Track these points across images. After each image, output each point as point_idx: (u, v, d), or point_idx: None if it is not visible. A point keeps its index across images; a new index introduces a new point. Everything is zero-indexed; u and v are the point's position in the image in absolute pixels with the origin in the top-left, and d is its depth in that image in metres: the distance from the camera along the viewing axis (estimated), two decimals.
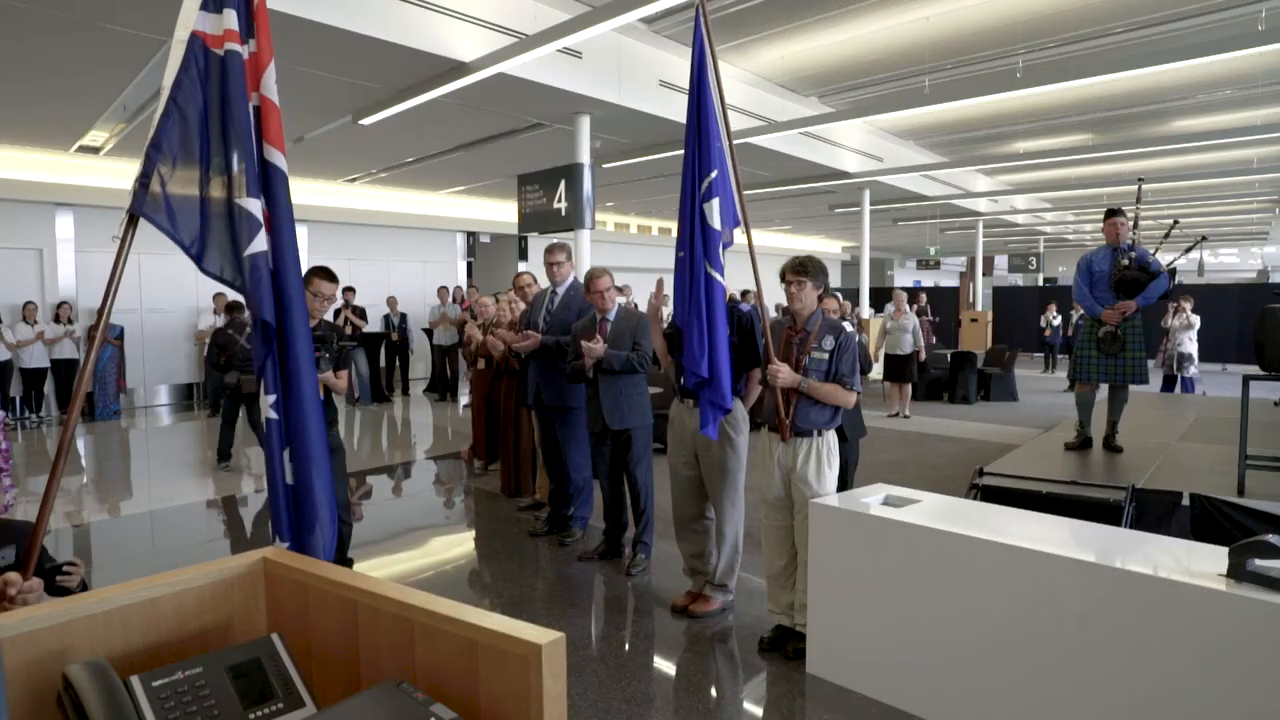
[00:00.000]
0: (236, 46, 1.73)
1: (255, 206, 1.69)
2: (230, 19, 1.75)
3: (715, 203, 3.25)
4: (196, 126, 1.69)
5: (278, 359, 1.72)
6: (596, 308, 4.37)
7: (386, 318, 12.40)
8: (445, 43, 6.07)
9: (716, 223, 3.25)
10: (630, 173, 11.12)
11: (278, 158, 1.76)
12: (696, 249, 3.29)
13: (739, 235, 3.40)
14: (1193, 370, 10.58)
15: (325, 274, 4.09)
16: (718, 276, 3.28)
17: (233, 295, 9.05)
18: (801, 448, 3.26)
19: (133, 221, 1.66)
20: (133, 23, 5.35)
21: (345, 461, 4.41)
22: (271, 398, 1.71)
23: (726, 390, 3.37)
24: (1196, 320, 10.55)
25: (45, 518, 1.58)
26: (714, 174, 3.24)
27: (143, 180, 1.65)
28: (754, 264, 3.37)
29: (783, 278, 3.39)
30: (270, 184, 1.74)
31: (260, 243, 1.68)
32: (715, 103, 3.26)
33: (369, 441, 9.03)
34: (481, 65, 6.21)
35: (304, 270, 4.36)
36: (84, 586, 2.18)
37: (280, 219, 1.74)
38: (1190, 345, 10.53)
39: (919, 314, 13.83)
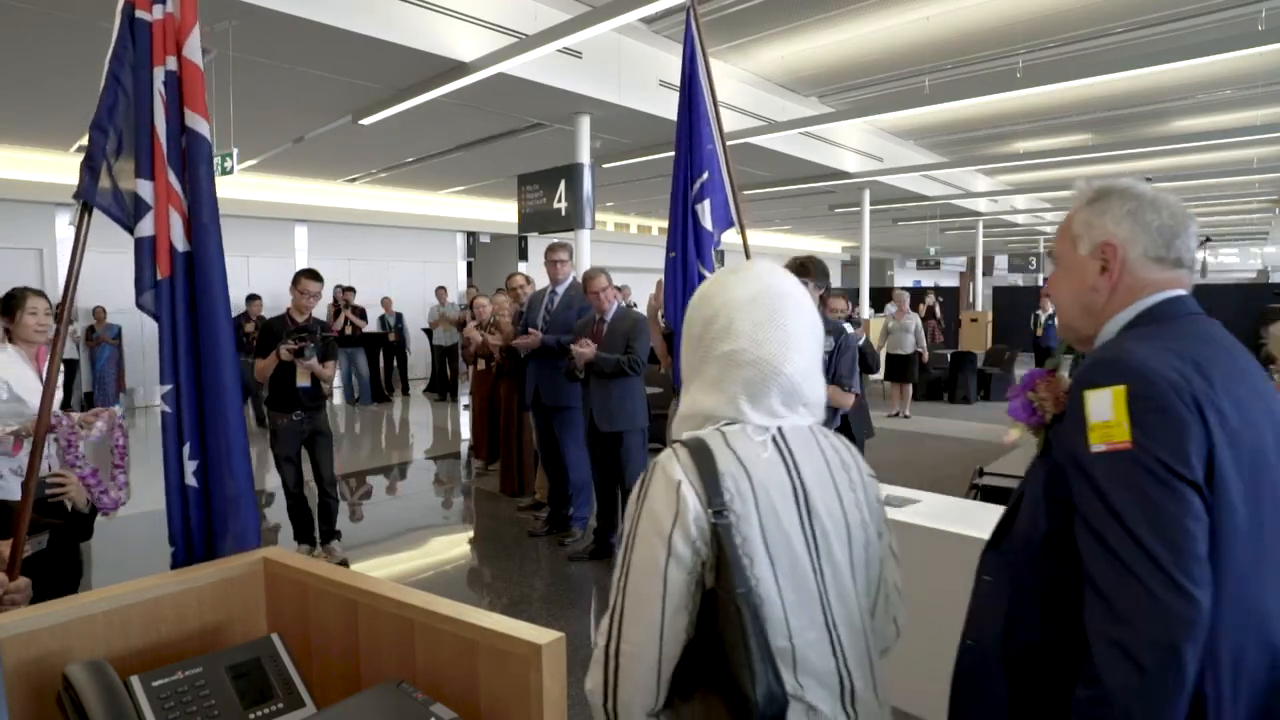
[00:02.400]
0: (144, 13, 1.59)
1: (145, 189, 1.57)
2: None
3: (707, 204, 3.25)
4: (135, 99, 1.60)
5: (190, 347, 1.58)
6: (594, 308, 4.38)
7: (382, 318, 12.40)
8: (445, 43, 6.07)
9: (708, 224, 3.26)
10: (630, 173, 11.11)
11: (201, 124, 1.60)
12: (689, 250, 3.30)
13: (734, 235, 3.40)
14: None
15: (311, 275, 4.55)
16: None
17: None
18: None
19: (87, 209, 1.57)
20: None
21: (332, 445, 4.72)
22: (167, 388, 1.57)
23: None
24: None
25: (26, 516, 1.54)
26: (705, 176, 3.25)
27: (89, 164, 1.56)
28: None
29: None
30: (191, 154, 1.59)
31: (146, 227, 1.57)
32: (708, 104, 3.26)
33: (369, 441, 9.03)
34: (481, 65, 6.21)
35: (295, 271, 4.65)
36: (91, 509, 2.15)
37: (200, 193, 1.58)
38: None
39: (928, 315, 13.81)
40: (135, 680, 1.09)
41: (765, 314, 1.12)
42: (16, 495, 2.99)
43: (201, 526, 1.59)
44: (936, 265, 20.81)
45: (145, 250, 1.58)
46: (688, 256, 3.31)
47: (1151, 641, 0.93)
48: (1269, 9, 6.64)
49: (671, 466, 1.06)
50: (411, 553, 5.03)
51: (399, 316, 12.50)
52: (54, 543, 2.06)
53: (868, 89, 9.34)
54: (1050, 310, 13.23)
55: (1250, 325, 5.67)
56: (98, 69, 1.66)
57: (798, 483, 1.09)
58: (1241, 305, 15.16)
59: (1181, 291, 1.13)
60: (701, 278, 3.27)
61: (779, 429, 1.11)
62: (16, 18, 5.26)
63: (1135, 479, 0.97)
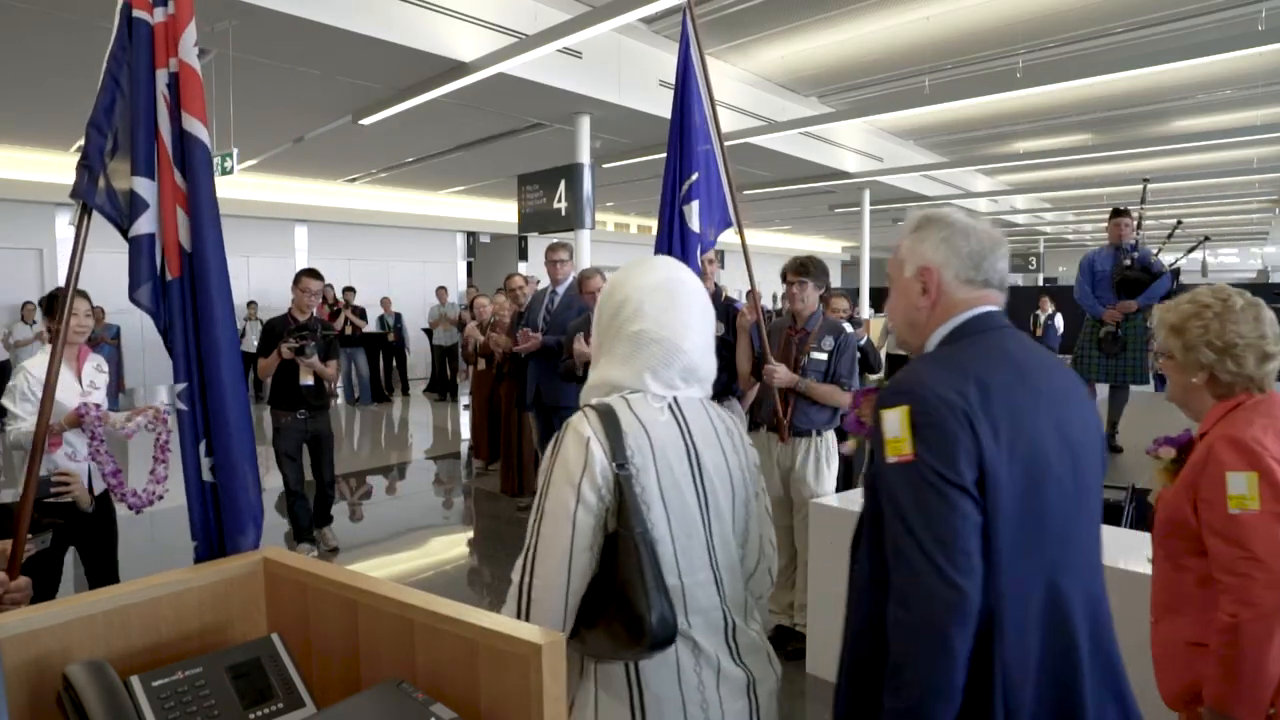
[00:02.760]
0: (144, 14, 1.59)
1: (144, 186, 1.57)
2: None
3: (695, 205, 3.23)
4: (131, 100, 1.60)
5: (195, 347, 1.59)
6: (591, 308, 4.38)
7: (381, 318, 12.41)
8: (445, 43, 6.07)
9: (695, 225, 3.24)
10: (630, 173, 11.11)
11: (198, 128, 1.59)
12: (674, 251, 3.28)
13: (732, 235, 3.39)
14: None
15: (312, 274, 4.64)
16: None
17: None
18: (800, 447, 3.26)
19: (86, 209, 1.58)
20: None
21: (333, 446, 4.84)
22: (181, 386, 1.59)
23: None
24: None
25: (26, 515, 1.54)
26: (694, 176, 3.23)
27: (85, 163, 1.56)
28: (748, 264, 3.36)
29: (784, 278, 3.39)
30: (188, 157, 1.59)
31: (144, 225, 1.57)
32: (705, 104, 3.25)
33: (369, 441, 9.03)
34: (481, 65, 6.21)
35: (294, 270, 4.71)
36: (95, 508, 2.17)
37: (200, 195, 1.58)
38: None
39: None
40: (135, 680, 1.09)
41: (668, 299, 1.30)
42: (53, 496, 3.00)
43: (217, 523, 1.62)
44: None
45: (143, 248, 1.58)
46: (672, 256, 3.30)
47: (923, 621, 1.10)
48: (1269, 9, 6.64)
49: (582, 426, 1.23)
50: (411, 553, 5.03)
51: (398, 317, 12.51)
52: (53, 543, 2.06)
53: (868, 89, 9.35)
54: (1050, 310, 13.25)
55: None
56: (98, 69, 1.66)
57: (690, 443, 1.26)
58: None
59: (990, 308, 1.28)
60: None
61: (674, 398, 1.29)
62: (16, 18, 5.26)
63: (915, 486, 1.13)
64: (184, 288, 1.59)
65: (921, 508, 1.13)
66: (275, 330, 4.57)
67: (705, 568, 1.24)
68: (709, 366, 1.33)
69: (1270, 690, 1.43)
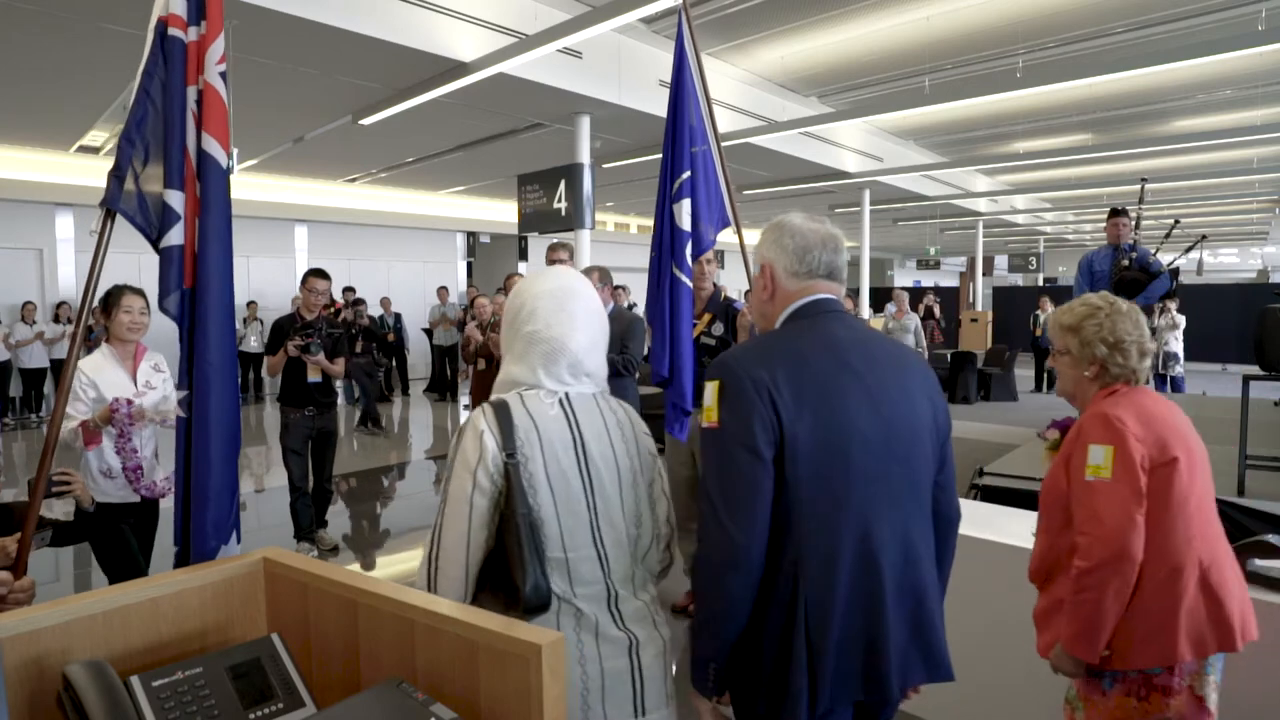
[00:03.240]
0: (179, 33, 1.66)
1: (175, 199, 1.63)
2: (176, 3, 1.67)
3: (684, 204, 3.21)
4: (164, 114, 1.65)
5: (188, 355, 1.64)
6: None
7: (380, 318, 12.40)
8: (445, 43, 6.07)
9: (685, 224, 3.22)
10: (630, 173, 11.11)
11: (215, 149, 1.66)
12: (664, 249, 3.27)
13: (730, 235, 3.38)
14: (1178, 369, 10.61)
15: (319, 274, 4.73)
16: (683, 278, 3.24)
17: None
18: None
19: (109, 215, 1.63)
20: (133, 23, 5.35)
21: (336, 444, 4.97)
22: (183, 394, 1.64)
23: (687, 390, 3.32)
24: (1182, 320, 10.57)
25: (35, 512, 1.56)
26: (685, 175, 3.21)
27: (116, 173, 1.61)
28: (746, 264, 3.36)
29: None
30: (204, 176, 1.65)
31: (174, 236, 1.63)
32: (700, 104, 3.25)
33: (369, 441, 9.03)
34: (481, 65, 6.21)
35: (288, 269, 4.74)
36: (95, 507, 2.18)
37: (212, 213, 1.64)
38: (1176, 344, 10.56)
39: (927, 315, 13.79)
40: (135, 680, 1.09)
41: (557, 304, 1.47)
42: (113, 497, 2.97)
43: (197, 529, 1.63)
44: (936, 265, 20.80)
45: (173, 259, 1.63)
46: (661, 256, 3.29)
47: (708, 563, 1.34)
48: (1269, 9, 6.64)
49: (479, 420, 1.40)
50: (411, 553, 5.03)
51: (398, 317, 12.51)
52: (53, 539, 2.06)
53: (868, 89, 9.35)
54: (1050, 310, 13.27)
55: (1250, 325, 5.67)
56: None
57: (577, 435, 1.42)
58: (1241, 305, 15.17)
59: (818, 296, 1.47)
60: (674, 278, 3.25)
61: (566, 394, 1.45)
62: (16, 18, 5.26)
63: (718, 449, 1.35)
64: (193, 298, 1.65)
65: (720, 468, 1.34)
66: (283, 329, 4.67)
67: (589, 545, 1.41)
68: (595, 364, 1.50)
69: (1106, 633, 1.64)
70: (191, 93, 1.66)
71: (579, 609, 1.39)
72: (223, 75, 1.69)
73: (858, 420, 1.36)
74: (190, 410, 1.63)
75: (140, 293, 3.09)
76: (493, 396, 1.46)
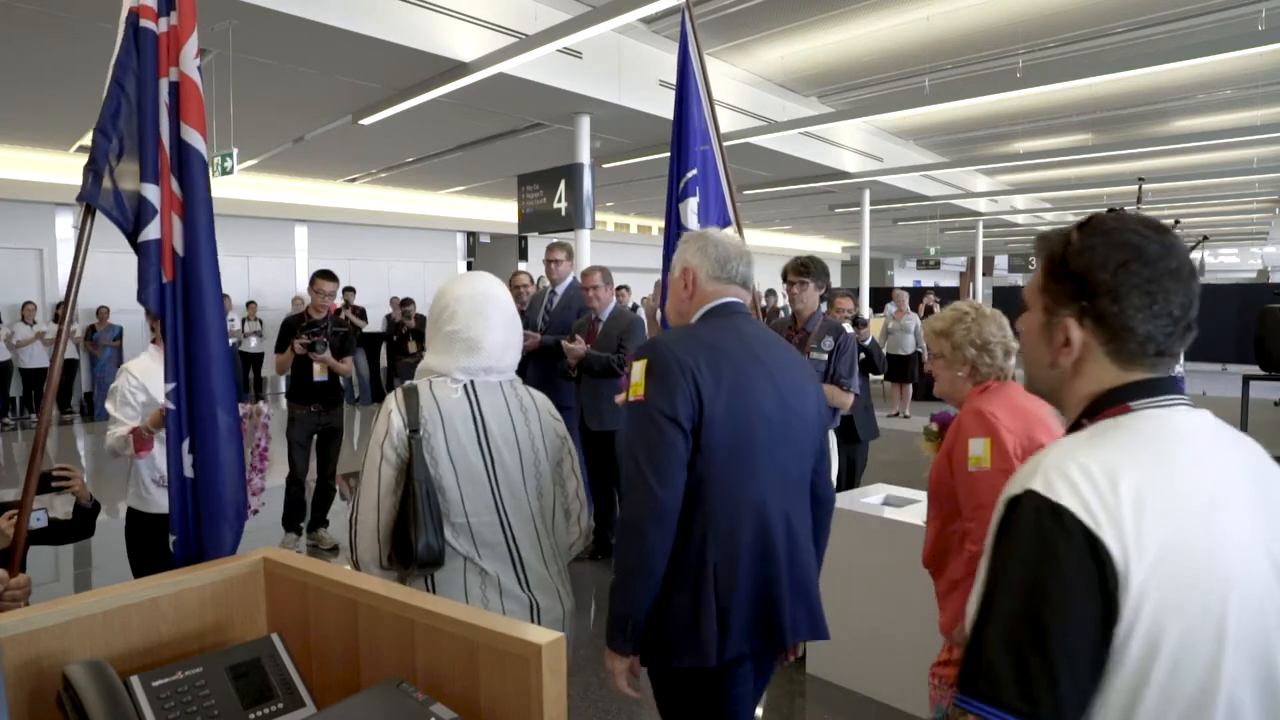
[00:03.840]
0: (150, 24, 1.64)
1: (151, 193, 1.62)
2: None
3: (691, 201, 3.23)
4: (137, 106, 1.64)
5: (185, 349, 1.63)
6: (590, 307, 4.38)
7: (389, 317, 12.36)
8: (445, 43, 6.07)
9: (692, 221, 3.23)
10: (630, 173, 11.11)
11: (195, 138, 1.65)
12: (673, 245, 3.27)
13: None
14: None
15: (326, 275, 4.83)
16: None
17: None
18: None
19: (89, 212, 1.61)
20: None
21: (341, 442, 5.10)
22: (169, 386, 1.62)
23: None
24: None
25: (27, 514, 1.55)
26: (692, 173, 3.23)
27: (93, 168, 1.59)
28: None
29: (785, 278, 3.39)
30: (186, 167, 1.64)
31: (152, 230, 1.62)
32: (703, 103, 3.26)
33: (369, 441, 9.02)
34: (481, 65, 6.21)
35: (297, 269, 4.77)
36: (95, 505, 2.15)
37: (196, 204, 1.64)
38: None
39: (927, 314, 13.77)
40: (135, 680, 1.09)
41: (475, 308, 1.68)
42: (163, 507, 2.71)
43: (196, 520, 1.63)
44: (936, 265, 20.79)
45: (151, 252, 1.62)
46: (670, 252, 3.29)
47: (632, 518, 1.51)
48: (1269, 9, 6.64)
49: (390, 402, 1.64)
50: None
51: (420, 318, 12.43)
52: (51, 537, 2.06)
53: (868, 89, 9.34)
54: None
55: (1251, 325, 5.66)
56: (98, 69, 1.67)
57: (478, 416, 1.64)
58: (1241, 305, 15.15)
59: (731, 298, 1.70)
60: None
61: (471, 382, 1.67)
62: (16, 18, 5.26)
63: (642, 418, 1.52)
64: (176, 291, 1.63)
65: (643, 434, 1.51)
66: (291, 327, 4.82)
67: (490, 511, 1.62)
68: (506, 360, 1.73)
69: None
70: (164, 85, 1.64)
71: (483, 568, 1.60)
72: (199, 68, 1.68)
73: (763, 403, 1.57)
74: (180, 402, 1.62)
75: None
76: (411, 380, 1.71)
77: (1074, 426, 0.97)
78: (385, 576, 1.58)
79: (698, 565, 1.52)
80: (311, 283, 4.83)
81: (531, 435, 1.69)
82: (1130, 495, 0.81)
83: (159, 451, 2.77)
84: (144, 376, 2.83)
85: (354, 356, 5.36)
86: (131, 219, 1.63)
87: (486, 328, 1.67)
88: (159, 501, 2.78)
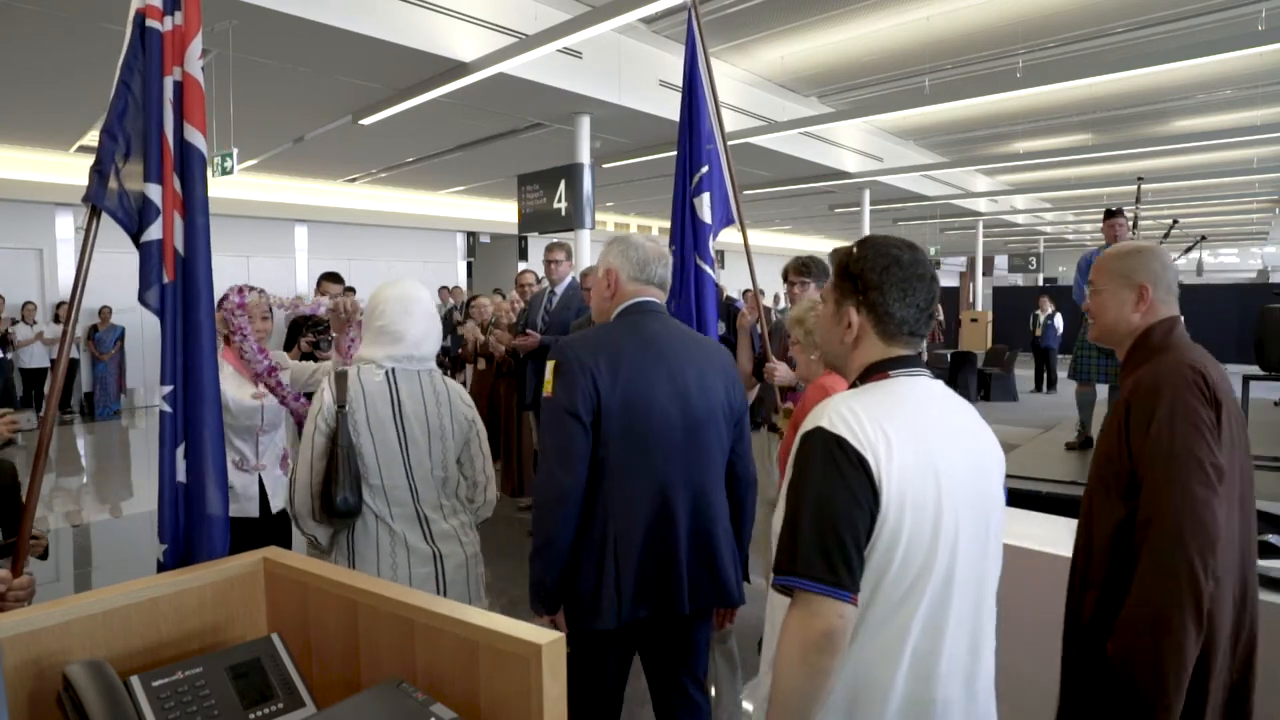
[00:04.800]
0: (156, 23, 1.65)
1: (154, 192, 1.62)
2: None
3: (705, 197, 3.25)
4: (142, 105, 1.65)
5: (179, 350, 1.63)
6: (590, 306, 4.38)
7: None
8: (445, 43, 6.07)
9: (706, 216, 3.26)
10: (630, 173, 11.11)
11: (197, 138, 1.66)
12: (687, 242, 3.29)
13: (734, 234, 3.39)
14: None
15: (332, 277, 5.02)
16: (707, 269, 3.28)
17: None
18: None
19: (95, 213, 1.62)
20: None
21: None
22: (167, 389, 1.62)
23: None
24: None
25: (31, 514, 1.55)
26: (704, 169, 3.25)
27: (99, 168, 1.60)
28: (750, 264, 3.37)
29: (785, 278, 3.39)
30: (187, 167, 1.65)
31: (154, 231, 1.62)
32: (708, 101, 3.27)
33: None
34: (481, 65, 6.20)
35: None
36: (44, 554, 2.07)
37: (195, 205, 1.65)
38: None
39: None
40: (135, 680, 1.09)
41: (402, 307, 2.00)
42: (253, 512, 2.68)
43: (187, 527, 1.61)
44: (936, 265, 20.76)
45: (153, 253, 1.63)
46: (684, 249, 3.30)
47: (543, 500, 1.76)
48: (1269, 9, 6.64)
49: (324, 383, 1.97)
50: None
51: None
52: None
53: (868, 89, 9.34)
54: (1050, 310, 13.24)
55: (1250, 325, 5.66)
56: (99, 69, 1.67)
57: (395, 397, 1.96)
58: (1241, 305, 15.14)
59: (647, 298, 1.90)
60: (698, 270, 3.27)
61: (393, 369, 1.98)
62: (17, 18, 5.26)
63: (550, 413, 1.76)
64: (176, 292, 1.64)
65: (550, 428, 1.76)
66: (298, 327, 4.89)
67: (402, 476, 1.94)
68: (424, 349, 2.02)
69: None
70: (169, 83, 1.65)
71: (392, 528, 1.94)
72: (203, 69, 1.69)
73: (659, 397, 1.78)
74: (177, 406, 1.61)
75: (263, 293, 2.82)
76: (340, 368, 2.05)
77: (852, 386, 1.31)
78: (316, 530, 1.99)
79: (601, 539, 1.75)
80: (318, 285, 5.03)
81: (441, 417, 1.99)
82: (883, 432, 1.16)
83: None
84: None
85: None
86: (135, 219, 1.63)
87: (409, 323, 1.98)
88: (247, 509, 2.68)
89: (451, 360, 7.17)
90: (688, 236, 3.29)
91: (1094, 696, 1.50)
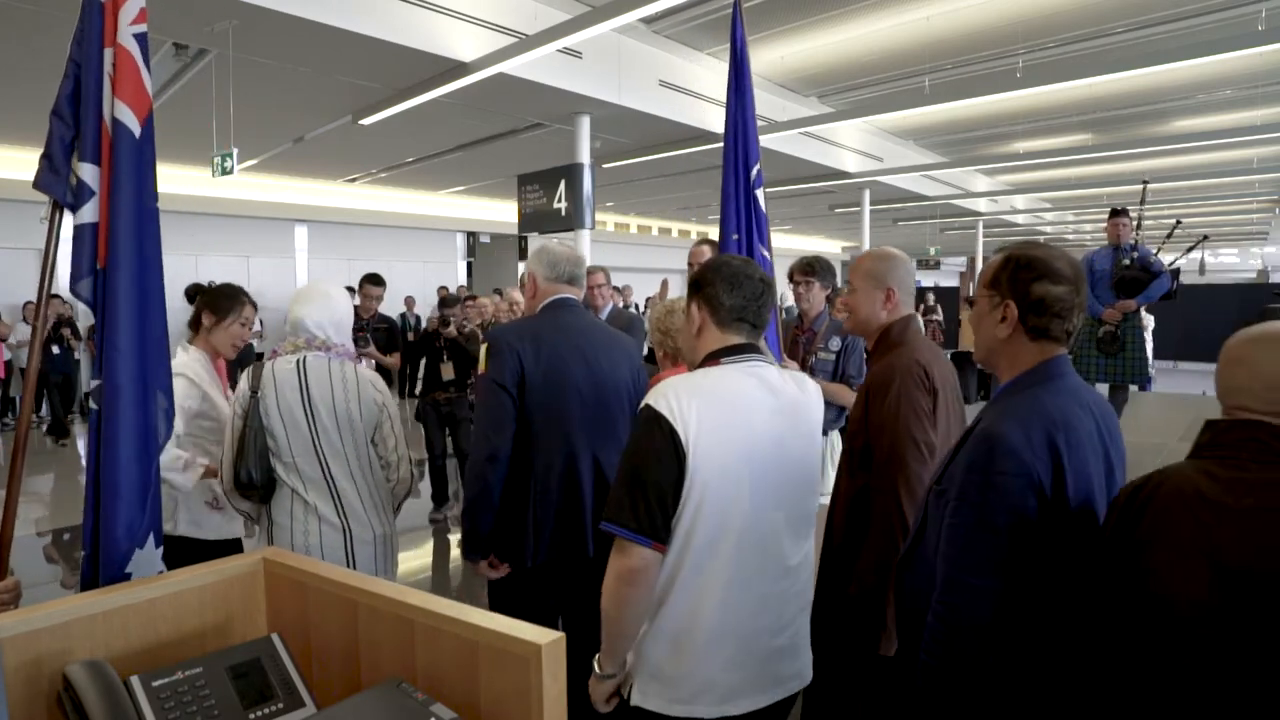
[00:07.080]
0: None
1: (89, 173, 1.49)
2: None
3: (759, 192, 3.31)
4: (84, 83, 1.51)
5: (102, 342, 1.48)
6: (590, 306, 4.37)
7: (402, 316, 12.31)
8: (445, 43, 6.07)
9: (763, 206, 3.33)
10: (630, 173, 11.10)
11: (128, 116, 1.49)
12: (753, 232, 3.29)
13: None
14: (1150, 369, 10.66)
15: (373, 280, 5.42)
16: (768, 256, 3.31)
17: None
18: None
19: (57, 205, 1.52)
20: None
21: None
22: (96, 384, 1.48)
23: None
24: (1150, 320, 10.56)
25: (12, 516, 1.49)
26: (758, 165, 3.37)
27: (47, 153, 1.49)
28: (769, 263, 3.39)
29: (791, 278, 3.39)
30: (115, 146, 1.48)
31: (88, 213, 1.48)
32: (752, 96, 3.34)
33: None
34: (481, 65, 6.20)
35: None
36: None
37: (120, 186, 1.48)
38: (1148, 345, 10.60)
39: (926, 314, 13.75)
40: (135, 680, 1.09)
41: (306, 299, 2.28)
42: (219, 532, 2.56)
43: (108, 532, 1.44)
44: (937, 265, 20.77)
45: (86, 237, 1.50)
46: (752, 239, 3.30)
47: (474, 462, 2.06)
48: (1269, 9, 6.64)
49: (243, 375, 2.21)
50: (411, 553, 5.03)
51: (417, 319, 12.42)
52: None
53: (868, 89, 9.34)
54: None
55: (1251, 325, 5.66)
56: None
57: (304, 383, 2.19)
58: (1241, 305, 15.14)
59: (564, 295, 2.21)
60: (763, 258, 3.28)
61: (304, 358, 2.21)
62: (16, 17, 5.26)
63: (483, 387, 2.07)
64: (104, 280, 1.50)
65: (484, 399, 2.07)
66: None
67: (311, 454, 2.17)
68: (333, 337, 2.25)
69: None
70: (108, 55, 1.51)
71: (306, 500, 2.17)
72: (137, 37, 1.52)
73: (574, 375, 2.09)
74: (101, 404, 1.47)
75: (253, 303, 2.71)
76: (259, 360, 2.28)
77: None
78: (240, 504, 2.24)
79: (525, 494, 2.07)
80: (360, 287, 5.47)
81: (349, 401, 2.21)
82: (694, 409, 1.42)
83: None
84: (200, 382, 2.50)
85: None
86: (74, 199, 1.51)
87: (314, 314, 2.25)
88: (205, 526, 2.53)
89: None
90: (752, 226, 3.31)
91: (838, 629, 1.88)
